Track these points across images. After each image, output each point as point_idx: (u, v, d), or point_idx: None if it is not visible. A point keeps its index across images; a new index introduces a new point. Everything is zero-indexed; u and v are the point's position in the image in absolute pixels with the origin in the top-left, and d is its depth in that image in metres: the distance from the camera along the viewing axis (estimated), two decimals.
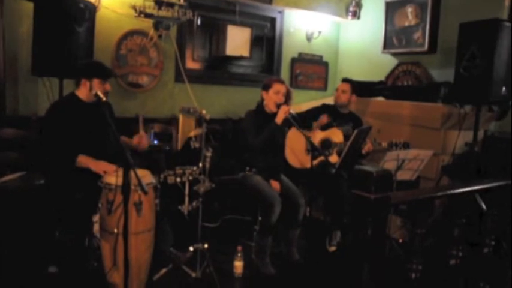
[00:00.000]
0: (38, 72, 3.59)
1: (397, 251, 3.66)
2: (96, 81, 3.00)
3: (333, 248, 3.87)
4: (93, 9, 3.85)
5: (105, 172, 2.85)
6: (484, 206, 3.24)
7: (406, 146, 3.81)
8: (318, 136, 3.99)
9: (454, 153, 4.15)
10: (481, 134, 4.25)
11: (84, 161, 2.94)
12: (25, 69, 3.86)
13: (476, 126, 3.91)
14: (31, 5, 3.55)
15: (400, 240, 3.98)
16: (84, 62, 3.32)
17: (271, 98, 3.50)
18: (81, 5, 3.60)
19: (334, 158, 3.83)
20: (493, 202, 3.38)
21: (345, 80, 4.22)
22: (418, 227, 3.67)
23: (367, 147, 3.83)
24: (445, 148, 4.24)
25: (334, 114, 4.13)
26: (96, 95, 2.77)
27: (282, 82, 3.57)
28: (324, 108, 4.25)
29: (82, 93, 3.05)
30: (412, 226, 3.93)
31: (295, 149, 3.86)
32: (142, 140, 3.25)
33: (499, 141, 4.27)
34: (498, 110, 4.33)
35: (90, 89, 2.98)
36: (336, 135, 3.96)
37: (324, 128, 4.05)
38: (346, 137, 3.83)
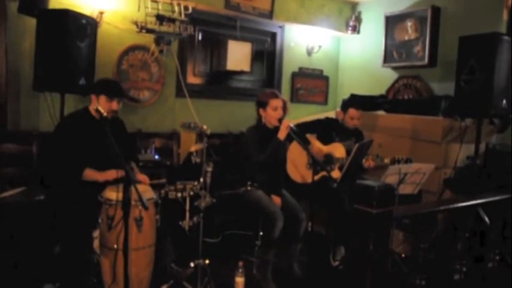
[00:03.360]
0: (39, 87, 3.61)
1: (400, 266, 3.62)
2: (102, 98, 3.03)
3: (337, 263, 3.84)
4: (94, 25, 3.89)
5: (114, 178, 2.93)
6: (487, 220, 3.22)
7: (408, 162, 3.80)
8: (320, 151, 3.98)
9: (456, 166, 4.14)
10: (482, 147, 4.24)
11: (90, 174, 2.96)
12: (27, 84, 3.87)
13: (477, 140, 3.91)
14: (34, 21, 3.59)
15: (403, 255, 3.95)
16: (100, 79, 3.35)
17: (271, 115, 3.47)
18: (83, 21, 3.64)
19: (336, 173, 3.82)
20: (497, 216, 3.36)
21: (356, 107, 4.12)
22: (421, 241, 3.65)
23: (368, 163, 3.82)
24: (447, 161, 4.22)
25: (337, 129, 4.13)
26: (97, 110, 2.77)
27: (277, 96, 3.52)
28: (326, 122, 4.25)
29: (92, 108, 3.07)
30: (415, 240, 3.90)
31: (297, 163, 3.85)
32: (146, 180, 3.25)
33: (500, 154, 4.25)
34: (499, 123, 4.32)
35: (98, 103, 3.01)
36: (338, 150, 3.95)
37: (326, 142, 4.04)
38: (348, 152, 3.82)
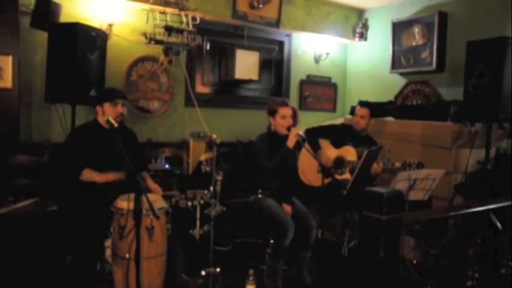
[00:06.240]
0: (51, 99, 3.67)
1: (411, 273, 3.60)
2: (107, 105, 3.09)
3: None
4: (104, 37, 3.95)
5: (114, 179, 2.93)
6: (499, 225, 3.19)
7: (420, 166, 3.77)
8: (331, 154, 3.98)
9: (467, 171, 4.11)
10: (493, 151, 4.21)
11: (89, 174, 2.99)
12: (39, 96, 3.95)
13: (487, 144, 3.88)
14: (45, 34, 3.66)
15: (415, 261, 3.92)
16: (98, 91, 3.45)
17: (279, 123, 3.50)
18: (93, 34, 3.70)
19: (347, 176, 3.82)
20: (509, 221, 3.32)
21: (363, 105, 4.21)
22: (432, 247, 3.62)
23: (375, 168, 3.80)
24: (457, 167, 4.20)
25: (351, 135, 4.13)
26: (108, 121, 2.81)
27: (286, 104, 3.54)
28: (340, 128, 4.27)
29: (101, 119, 3.12)
30: (426, 246, 3.87)
31: (307, 168, 3.85)
32: (158, 190, 3.28)
33: (511, 159, 4.22)
34: (509, 128, 4.29)
35: (103, 114, 3.05)
36: (350, 153, 3.95)
37: (337, 145, 4.04)
38: (360, 156, 3.83)
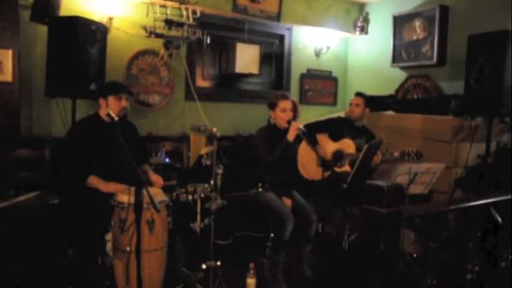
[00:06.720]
0: (51, 93, 3.67)
1: (412, 266, 3.61)
2: (111, 98, 3.09)
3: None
4: (104, 31, 3.94)
5: (116, 191, 2.88)
6: (499, 219, 3.19)
7: (418, 155, 3.78)
8: (330, 148, 3.98)
9: (467, 165, 4.11)
10: (493, 145, 4.21)
11: (94, 181, 2.98)
12: (39, 90, 3.94)
13: (488, 138, 3.88)
14: (45, 28, 3.65)
15: (414, 255, 3.93)
16: (103, 83, 3.47)
17: (279, 116, 3.51)
18: (93, 27, 3.69)
19: (347, 169, 3.83)
20: (509, 214, 3.33)
21: (358, 94, 4.24)
22: (432, 241, 3.63)
23: (374, 160, 3.81)
24: (457, 161, 4.20)
25: (348, 127, 4.14)
26: (108, 114, 2.82)
27: (287, 98, 3.55)
28: (337, 121, 4.27)
29: (102, 112, 3.12)
30: (426, 240, 3.88)
31: (307, 161, 3.85)
32: (159, 181, 3.29)
33: None
34: (510, 121, 4.29)
35: (107, 106, 3.05)
36: (348, 145, 3.96)
37: (335, 139, 4.05)
38: (359, 150, 3.83)
